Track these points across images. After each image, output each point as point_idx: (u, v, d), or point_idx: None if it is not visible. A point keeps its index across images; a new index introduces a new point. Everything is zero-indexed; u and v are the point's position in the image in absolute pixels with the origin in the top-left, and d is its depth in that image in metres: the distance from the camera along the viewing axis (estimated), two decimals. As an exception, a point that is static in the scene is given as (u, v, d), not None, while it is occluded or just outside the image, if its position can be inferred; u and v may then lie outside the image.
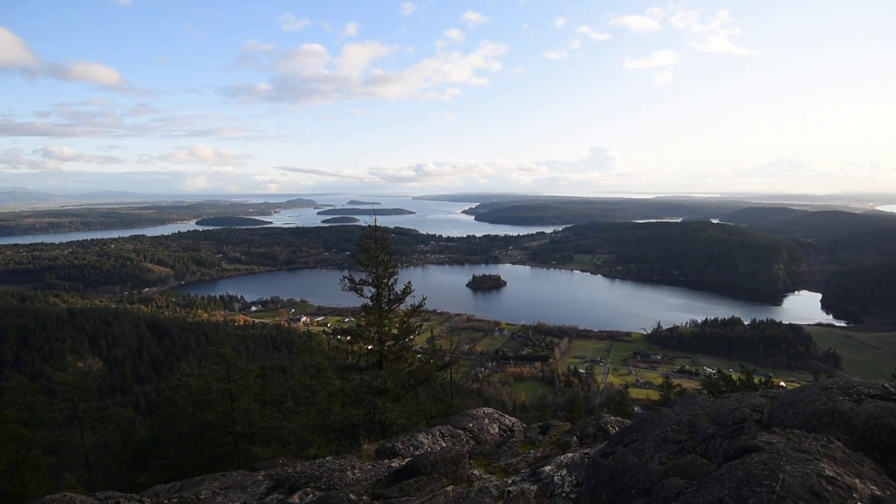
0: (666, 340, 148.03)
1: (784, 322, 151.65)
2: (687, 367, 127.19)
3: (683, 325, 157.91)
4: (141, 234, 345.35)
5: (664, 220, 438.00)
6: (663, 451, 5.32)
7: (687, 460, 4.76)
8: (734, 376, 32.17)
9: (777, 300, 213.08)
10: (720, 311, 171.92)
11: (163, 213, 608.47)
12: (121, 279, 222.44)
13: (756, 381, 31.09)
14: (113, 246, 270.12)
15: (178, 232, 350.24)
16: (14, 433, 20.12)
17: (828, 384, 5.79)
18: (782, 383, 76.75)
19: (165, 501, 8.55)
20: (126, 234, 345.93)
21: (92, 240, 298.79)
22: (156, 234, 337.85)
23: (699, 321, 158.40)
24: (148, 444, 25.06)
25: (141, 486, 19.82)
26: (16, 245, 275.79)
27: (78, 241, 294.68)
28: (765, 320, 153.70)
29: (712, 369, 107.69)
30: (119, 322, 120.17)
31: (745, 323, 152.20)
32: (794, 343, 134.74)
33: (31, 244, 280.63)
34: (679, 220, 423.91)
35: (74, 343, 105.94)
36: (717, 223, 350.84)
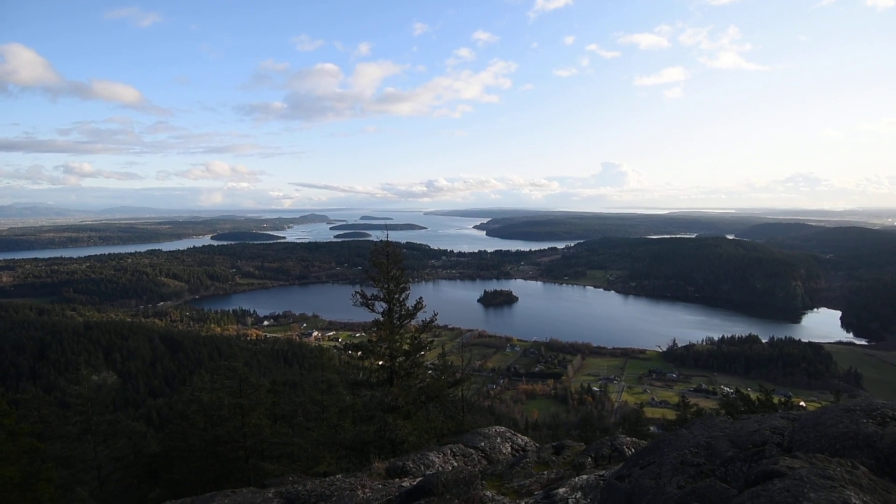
0: (682, 358, 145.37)
1: (803, 340, 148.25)
2: (704, 385, 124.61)
3: (699, 342, 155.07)
4: (157, 248, 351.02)
5: (678, 236, 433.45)
6: (681, 474, 5.18)
7: (706, 484, 4.63)
8: (752, 396, 31.41)
9: (795, 317, 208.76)
10: (737, 328, 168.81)
11: (179, 228, 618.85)
12: (136, 293, 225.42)
13: (775, 400, 30.38)
14: (130, 260, 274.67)
15: (194, 247, 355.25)
16: (28, 446, 20.26)
17: (850, 405, 5.63)
18: (802, 403, 74.86)
19: (175, 518, 8.51)
20: (143, 248, 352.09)
21: (109, 254, 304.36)
22: (172, 249, 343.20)
23: (716, 339, 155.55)
24: (159, 458, 25.03)
25: (152, 501, 19.81)
26: (35, 259, 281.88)
27: (96, 255, 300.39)
28: (783, 338, 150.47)
29: (730, 388, 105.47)
30: (134, 336, 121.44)
31: (763, 341, 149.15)
32: (813, 362, 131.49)
33: (49, 258, 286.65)
34: (693, 236, 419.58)
35: (90, 356, 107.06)
36: (733, 239, 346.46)
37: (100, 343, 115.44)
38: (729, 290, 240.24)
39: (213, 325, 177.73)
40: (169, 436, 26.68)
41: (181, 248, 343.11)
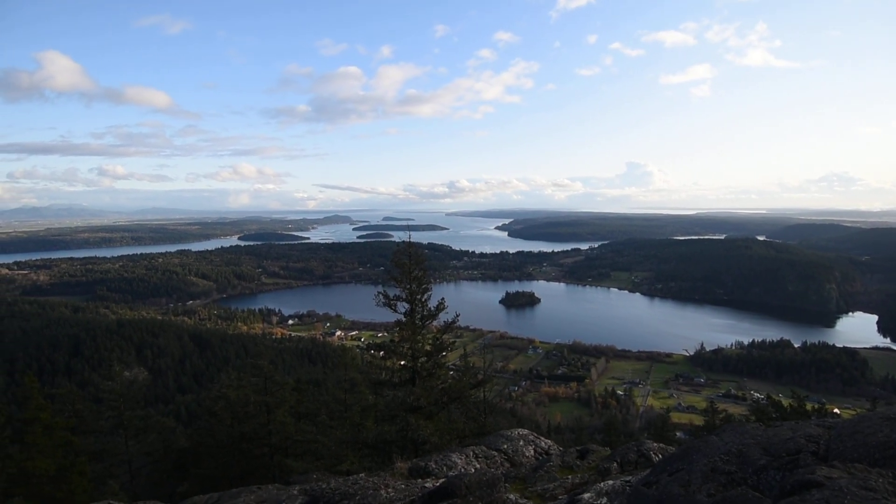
0: (710, 363, 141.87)
1: (837, 345, 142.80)
2: (733, 391, 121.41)
3: (728, 346, 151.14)
4: (187, 248, 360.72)
5: (706, 237, 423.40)
6: (711, 482, 5.04)
7: (738, 493, 4.49)
8: (784, 402, 30.55)
9: (829, 322, 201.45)
10: (768, 332, 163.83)
11: (207, 228, 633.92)
12: (167, 292, 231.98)
13: (808, 407, 29.40)
14: (160, 260, 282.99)
15: (222, 247, 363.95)
16: (63, 439, 21.02)
17: (891, 413, 5.40)
18: (837, 411, 72.29)
19: (203, 512, 8.70)
20: (173, 248, 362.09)
21: (141, 254, 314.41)
22: (200, 249, 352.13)
23: (745, 343, 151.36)
24: (188, 453, 25.65)
25: (180, 495, 20.26)
26: (71, 258, 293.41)
27: (128, 255, 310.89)
28: (816, 343, 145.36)
29: (760, 394, 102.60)
30: (164, 333, 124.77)
31: (796, 345, 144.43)
32: (848, 367, 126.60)
33: (84, 258, 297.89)
34: (722, 237, 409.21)
35: (122, 353, 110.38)
36: (764, 240, 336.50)
37: (132, 340, 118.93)
38: (759, 292, 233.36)
39: (239, 323, 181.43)
40: (197, 432, 27.35)
41: (209, 249, 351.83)
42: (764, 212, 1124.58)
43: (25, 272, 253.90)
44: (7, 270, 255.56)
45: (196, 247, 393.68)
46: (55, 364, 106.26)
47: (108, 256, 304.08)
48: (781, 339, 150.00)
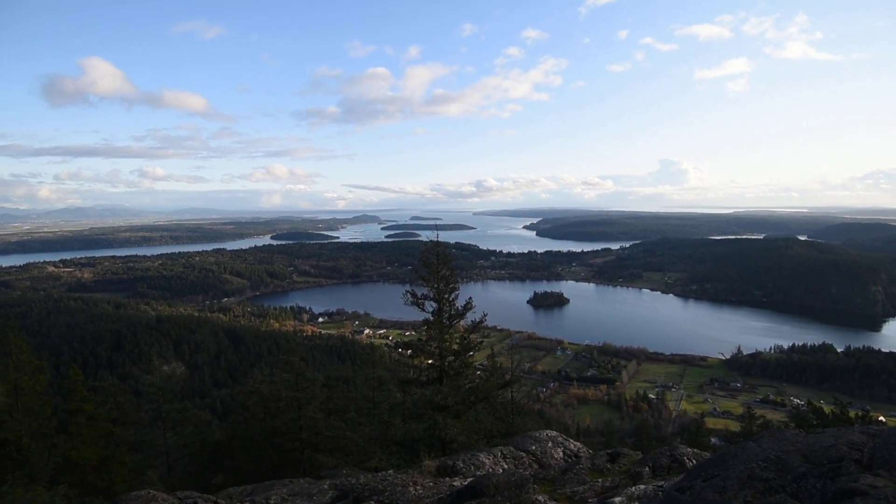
0: (747, 367, 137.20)
1: (883, 350, 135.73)
2: (771, 396, 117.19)
3: (767, 350, 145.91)
4: (222, 247, 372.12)
5: (744, 237, 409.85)
6: (748, 489, 4.90)
7: (776, 500, 4.35)
8: (826, 409, 29.34)
9: (875, 325, 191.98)
10: (809, 336, 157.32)
11: (242, 228, 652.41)
12: (203, 289, 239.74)
13: (851, 414, 28.19)
14: (197, 258, 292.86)
15: (255, 246, 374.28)
16: (105, 430, 21.97)
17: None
18: (882, 418, 68.62)
19: None
20: (209, 247, 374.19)
21: (179, 253, 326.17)
22: (235, 248, 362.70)
23: (785, 347, 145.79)
24: (222, 446, 26.38)
25: (215, 486, 20.88)
26: (113, 257, 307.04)
27: (167, 253, 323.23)
28: (861, 347, 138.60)
29: (800, 400, 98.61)
30: (200, 329, 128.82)
31: (839, 350, 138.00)
32: (895, 373, 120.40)
33: (126, 256, 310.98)
34: (761, 237, 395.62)
35: (161, 348, 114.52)
36: (806, 240, 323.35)
37: (170, 335, 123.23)
38: (800, 294, 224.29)
39: (272, 320, 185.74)
40: (231, 425, 28.13)
41: (243, 248, 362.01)
42: (805, 210, 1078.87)
43: (71, 270, 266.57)
44: (54, 268, 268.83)
45: (231, 246, 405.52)
46: (98, 358, 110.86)
47: (148, 255, 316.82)
48: (823, 343, 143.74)
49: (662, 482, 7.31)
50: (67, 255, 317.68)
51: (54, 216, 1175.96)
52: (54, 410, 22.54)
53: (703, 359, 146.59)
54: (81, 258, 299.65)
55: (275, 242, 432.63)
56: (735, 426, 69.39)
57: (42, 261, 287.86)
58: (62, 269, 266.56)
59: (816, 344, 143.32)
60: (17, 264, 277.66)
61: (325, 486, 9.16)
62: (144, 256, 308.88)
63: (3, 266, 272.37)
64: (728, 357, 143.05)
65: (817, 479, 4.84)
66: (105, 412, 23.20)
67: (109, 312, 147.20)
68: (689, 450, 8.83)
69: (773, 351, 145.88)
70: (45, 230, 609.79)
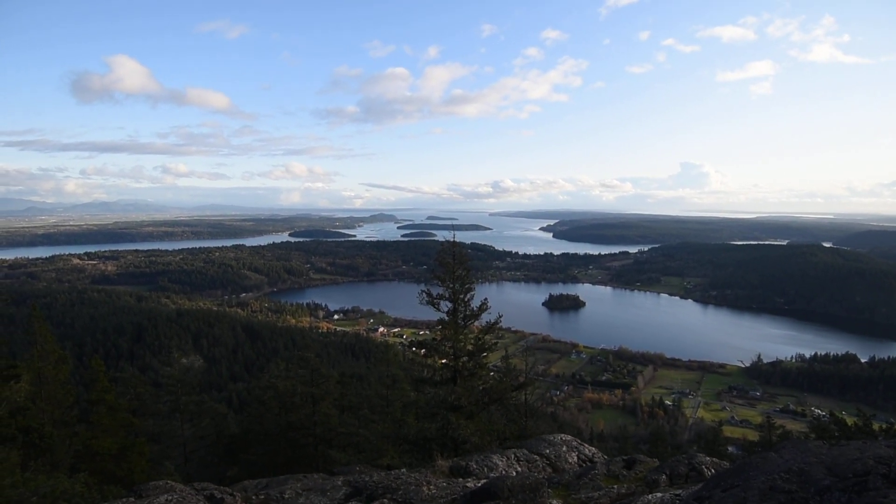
0: (767, 375, 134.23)
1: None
2: (791, 406, 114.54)
3: (788, 359, 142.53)
4: (241, 244, 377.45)
5: (767, 243, 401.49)
6: (769, 500, 4.77)
7: (799, 515, 4.22)
8: (849, 420, 28.49)
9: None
10: (832, 345, 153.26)
11: (261, 225, 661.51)
12: (222, 284, 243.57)
13: (875, 427, 27.32)
14: (217, 254, 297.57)
15: (273, 243, 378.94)
16: (125, 420, 22.44)
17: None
18: (911, 433, 66.59)
19: (253, 497, 9.07)
20: (228, 243, 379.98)
21: (199, 248, 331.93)
22: (254, 245, 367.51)
23: (807, 356, 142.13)
24: (238, 439, 26.74)
25: (230, 479, 21.20)
26: (136, 251, 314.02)
27: (188, 248, 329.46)
28: (886, 358, 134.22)
29: (822, 411, 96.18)
30: (219, 323, 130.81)
31: (862, 360, 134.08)
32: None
33: (148, 250, 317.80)
34: (784, 243, 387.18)
35: (180, 341, 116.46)
36: (830, 247, 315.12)
37: (189, 329, 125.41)
38: (824, 302, 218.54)
39: (288, 316, 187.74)
40: (247, 419, 28.51)
41: (262, 244, 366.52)
42: (831, 217, 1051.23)
43: (95, 262, 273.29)
44: (79, 260, 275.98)
45: (250, 242, 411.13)
46: (119, 349, 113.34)
47: (170, 249, 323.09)
48: (847, 352, 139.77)
49: (680, 491, 7.17)
50: (92, 248, 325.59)
51: (80, 210, 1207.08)
52: (76, 400, 23.04)
53: (722, 366, 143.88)
54: (105, 251, 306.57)
55: (293, 239, 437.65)
56: (753, 435, 68.02)
57: (67, 253, 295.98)
58: (87, 262, 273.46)
59: (839, 353, 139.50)
60: (44, 256, 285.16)
61: (339, 483, 9.20)
62: (166, 251, 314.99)
63: (31, 258, 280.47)
64: (747, 365, 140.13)
65: (842, 493, 4.69)
66: (125, 403, 23.70)
67: (131, 305, 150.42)
68: (707, 458, 8.65)
69: (794, 360, 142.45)
70: (71, 223, 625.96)
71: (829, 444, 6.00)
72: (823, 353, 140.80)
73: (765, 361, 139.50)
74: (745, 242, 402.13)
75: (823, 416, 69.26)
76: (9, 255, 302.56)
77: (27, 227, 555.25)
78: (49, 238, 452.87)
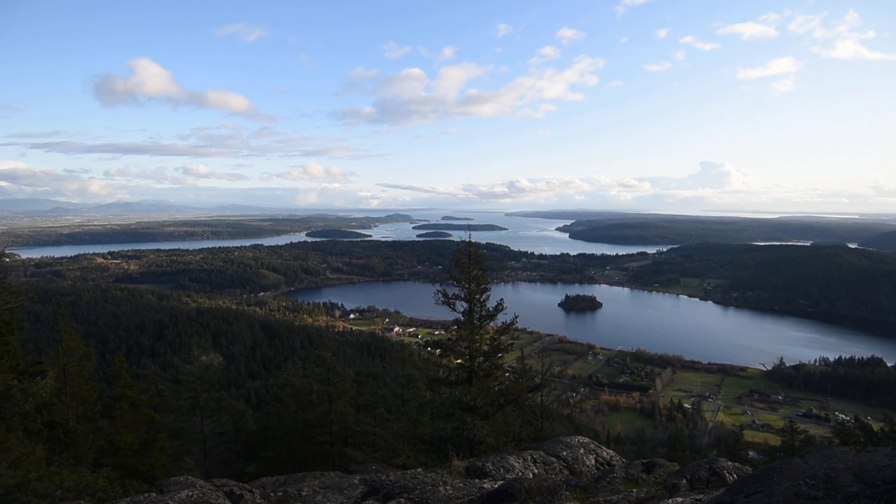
0: (789, 379, 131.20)
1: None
2: (814, 410, 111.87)
3: (811, 362, 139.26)
4: (259, 243, 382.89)
5: (790, 243, 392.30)
6: (795, 507, 4.64)
7: (826, 523, 4.10)
8: (874, 426, 27.72)
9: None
10: (857, 348, 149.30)
11: (279, 225, 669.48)
12: (241, 283, 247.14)
13: (906, 434, 26.50)
14: (236, 254, 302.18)
15: (291, 242, 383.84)
16: (147, 416, 22.88)
17: None
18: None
19: (271, 494, 9.17)
20: (247, 243, 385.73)
21: (219, 248, 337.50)
22: (272, 244, 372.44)
23: (831, 359, 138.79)
24: (256, 436, 27.10)
25: (248, 475, 21.46)
26: (158, 250, 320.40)
27: (208, 248, 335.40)
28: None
29: (846, 415, 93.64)
30: (237, 322, 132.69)
31: (889, 364, 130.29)
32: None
33: (170, 250, 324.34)
34: (808, 244, 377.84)
35: (200, 338, 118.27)
36: (856, 248, 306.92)
37: (209, 327, 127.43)
38: (849, 305, 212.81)
39: (305, 315, 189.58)
40: (265, 416, 28.84)
41: (280, 244, 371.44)
42: (856, 217, 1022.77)
43: (118, 261, 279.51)
44: (102, 259, 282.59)
45: (268, 242, 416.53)
46: (141, 346, 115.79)
47: (191, 249, 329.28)
48: (872, 356, 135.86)
49: (700, 496, 7.04)
50: (115, 248, 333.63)
51: (104, 210, 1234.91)
52: (99, 396, 23.51)
53: (743, 369, 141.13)
54: (128, 251, 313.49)
55: (310, 239, 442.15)
56: (775, 440, 66.48)
57: (91, 252, 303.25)
58: (110, 261, 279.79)
59: (865, 357, 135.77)
60: (69, 255, 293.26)
61: (356, 481, 9.25)
62: (187, 250, 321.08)
63: (56, 257, 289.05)
64: (769, 368, 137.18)
65: (871, 500, 4.55)
66: (147, 399, 24.14)
67: (153, 303, 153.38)
68: (729, 463, 8.48)
69: (817, 363, 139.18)
70: (95, 223, 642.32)
71: (855, 449, 5.84)
72: (848, 357, 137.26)
73: (787, 365, 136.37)
74: (767, 243, 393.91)
75: (848, 420, 67.35)
76: (35, 253, 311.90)
77: (53, 227, 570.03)
78: (74, 237, 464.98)
